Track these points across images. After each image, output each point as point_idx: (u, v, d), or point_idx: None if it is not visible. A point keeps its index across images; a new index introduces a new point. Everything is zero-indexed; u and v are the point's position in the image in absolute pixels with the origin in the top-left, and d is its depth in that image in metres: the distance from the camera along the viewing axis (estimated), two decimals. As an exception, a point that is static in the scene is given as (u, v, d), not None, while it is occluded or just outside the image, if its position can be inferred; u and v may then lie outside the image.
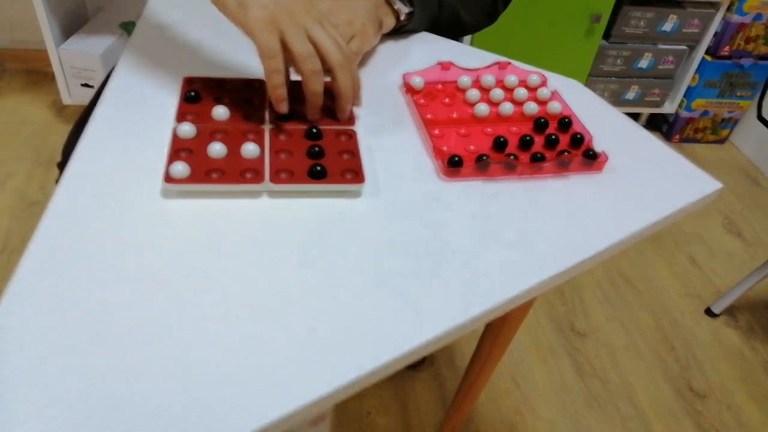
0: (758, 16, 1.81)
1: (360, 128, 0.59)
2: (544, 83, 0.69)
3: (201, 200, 0.51)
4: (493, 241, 0.50)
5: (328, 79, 0.56)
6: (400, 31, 0.76)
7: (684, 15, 1.79)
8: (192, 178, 0.51)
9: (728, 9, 1.80)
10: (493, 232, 0.51)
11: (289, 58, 0.54)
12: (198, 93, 0.60)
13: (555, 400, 1.26)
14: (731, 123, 2.07)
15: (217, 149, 0.53)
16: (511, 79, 0.68)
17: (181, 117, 0.57)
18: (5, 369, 0.37)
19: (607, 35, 1.82)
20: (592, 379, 1.31)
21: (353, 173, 0.53)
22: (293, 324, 0.42)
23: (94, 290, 0.43)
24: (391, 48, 0.75)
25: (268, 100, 0.59)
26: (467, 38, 1.62)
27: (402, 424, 1.19)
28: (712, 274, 1.60)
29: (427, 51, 0.75)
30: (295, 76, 0.56)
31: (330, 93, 0.58)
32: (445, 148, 0.59)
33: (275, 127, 0.58)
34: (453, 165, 0.56)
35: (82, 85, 1.67)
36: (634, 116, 2.03)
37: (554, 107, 0.65)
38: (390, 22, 0.73)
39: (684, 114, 2.02)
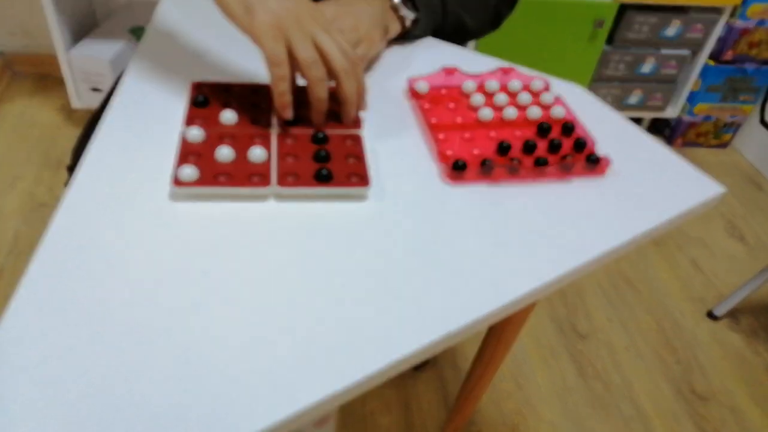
0: (762, 22, 1.81)
1: (366, 132, 0.60)
2: (547, 88, 0.70)
3: (208, 203, 0.52)
4: (496, 245, 0.51)
5: (333, 84, 0.57)
6: (405, 37, 0.76)
7: (687, 20, 1.79)
8: (200, 181, 0.51)
9: (732, 14, 1.80)
10: (497, 236, 0.52)
11: (295, 64, 0.55)
12: (206, 98, 0.60)
13: (557, 402, 1.27)
14: (734, 127, 2.07)
15: (224, 153, 0.54)
16: (515, 84, 0.69)
17: (189, 121, 0.58)
18: (5, 369, 0.38)
19: (610, 40, 1.82)
20: (593, 380, 1.32)
21: (359, 177, 0.54)
22: (299, 326, 0.43)
23: (102, 292, 0.43)
24: (396, 53, 0.76)
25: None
26: (471, 44, 1.63)
27: (404, 424, 1.19)
28: (714, 278, 1.60)
29: (432, 56, 0.75)
30: (301, 81, 0.57)
31: (336, 97, 0.58)
32: (449, 152, 0.60)
33: (282, 131, 0.58)
34: (457, 169, 0.56)
35: (92, 89, 1.69)
36: (637, 120, 2.03)
37: (557, 112, 0.66)
38: (395, 28, 0.74)
39: (687, 118, 2.02)
